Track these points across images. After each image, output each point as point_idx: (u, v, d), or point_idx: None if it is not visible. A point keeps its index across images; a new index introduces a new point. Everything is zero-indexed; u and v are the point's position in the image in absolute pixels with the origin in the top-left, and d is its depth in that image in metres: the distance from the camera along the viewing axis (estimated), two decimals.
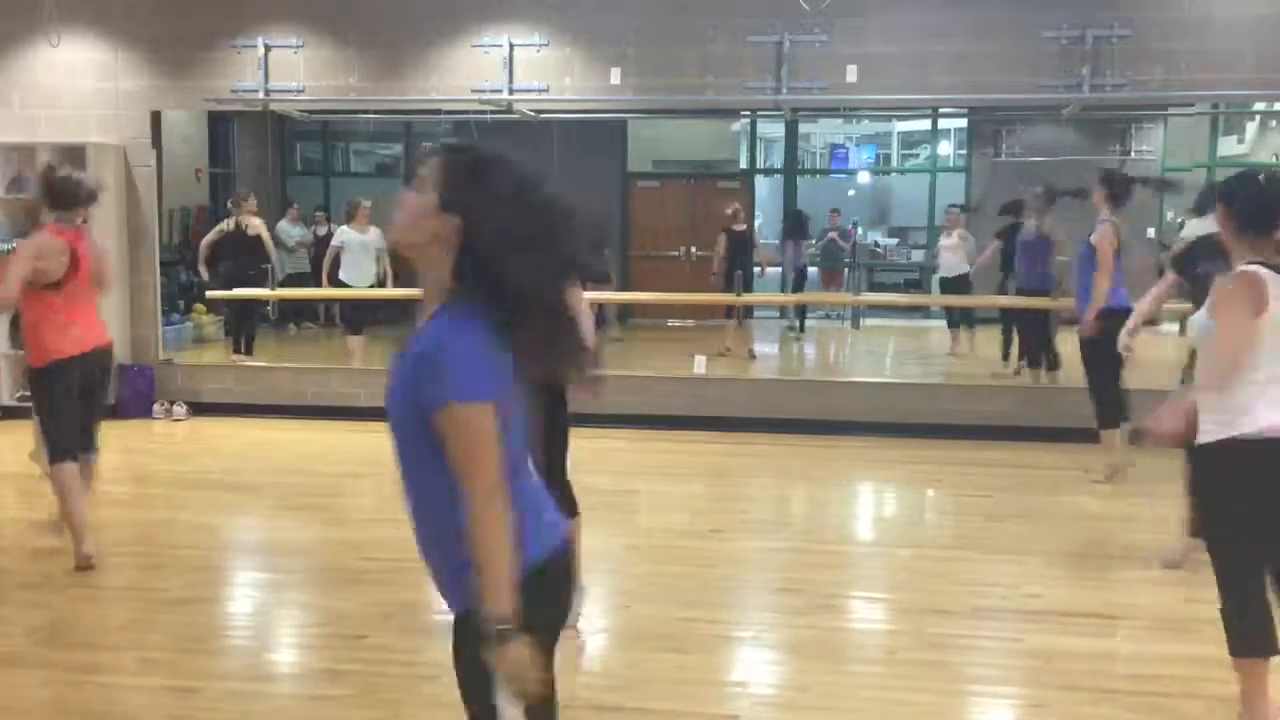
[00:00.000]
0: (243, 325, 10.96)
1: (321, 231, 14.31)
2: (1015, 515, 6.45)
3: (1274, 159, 14.82)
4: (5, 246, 9.06)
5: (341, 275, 10.67)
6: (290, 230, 12.91)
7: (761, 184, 17.26)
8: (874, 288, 15.49)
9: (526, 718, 2.19)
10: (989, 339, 11.29)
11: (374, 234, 10.57)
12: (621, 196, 15.39)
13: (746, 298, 11.36)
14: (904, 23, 8.49)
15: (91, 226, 5.77)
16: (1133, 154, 15.29)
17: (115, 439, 8.58)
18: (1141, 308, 5.79)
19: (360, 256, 10.61)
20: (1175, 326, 11.12)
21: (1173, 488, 7.16)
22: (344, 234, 10.70)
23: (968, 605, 4.92)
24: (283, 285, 11.40)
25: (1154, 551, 5.53)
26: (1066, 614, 4.92)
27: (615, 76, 8.81)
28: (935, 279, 12.51)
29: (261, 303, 11.35)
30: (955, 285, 11.61)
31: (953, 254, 11.67)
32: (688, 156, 16.19)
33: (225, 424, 8.99)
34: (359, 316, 10.75)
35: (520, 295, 2.14)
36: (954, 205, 12.77)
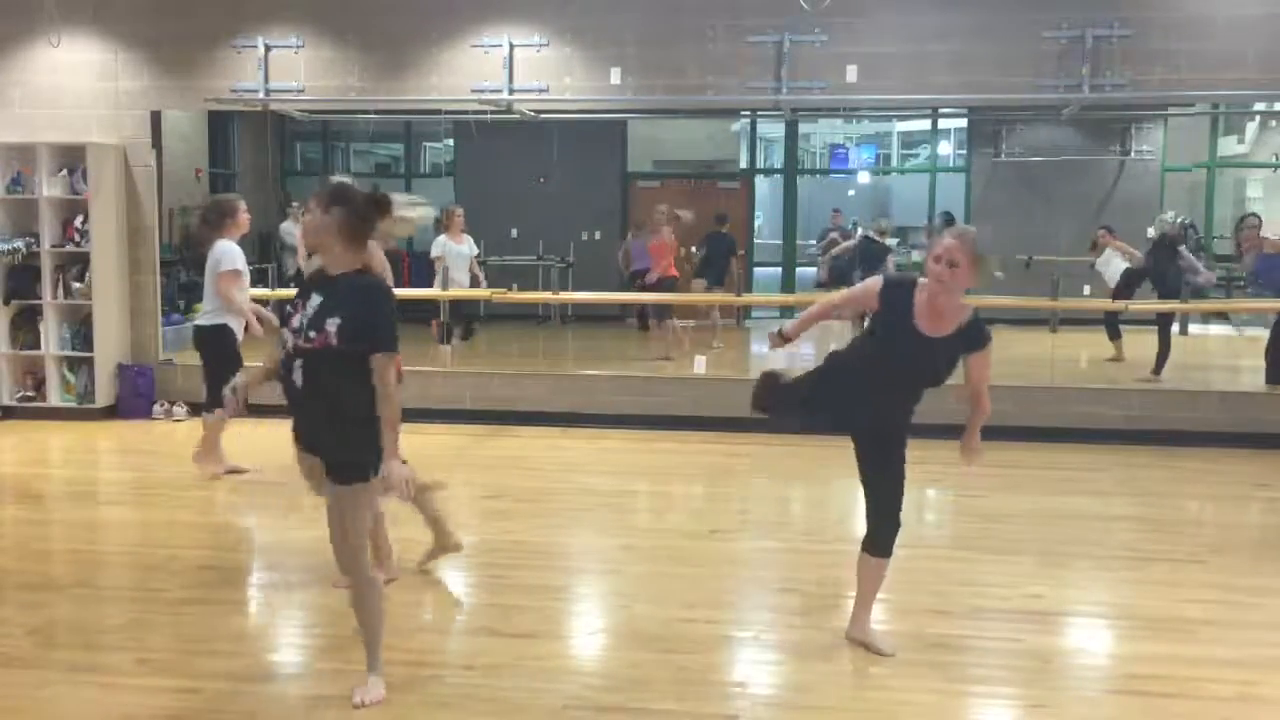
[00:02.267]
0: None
1: None
2: (1015, 515, 6.46)
3: (1274, 159, 14.82)
4: (5, 246, 9.06)
5: (435, 285, 10.13)
6: (292, 229, 12.91)
7: (761, 184, 17.27)
8: None
9: None
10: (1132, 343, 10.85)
11: (469, 242, 10.32)
12: (621, 196, 15.40)
13: (746, 298, 11.33)
14: (904, 23, 8.50)
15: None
16: (1133, 154, 15.27)
17: (115, 439, 8.60)
18: None
19: (457, 265, 10.15)
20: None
21: (1172, 489, 7.21)
22: (443, 245, 10.19)
23: (968, 605, 4.92)
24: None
25: (1153, 551, 5.52)
26: (1066, 614, 4.93)
27: (615, 76, 8.82)
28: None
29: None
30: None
31: (1106, 266, 11.12)
32: (688, 156, 16.19)
33: None
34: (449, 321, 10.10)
35: None
36: (1104, 227, 11.88)
